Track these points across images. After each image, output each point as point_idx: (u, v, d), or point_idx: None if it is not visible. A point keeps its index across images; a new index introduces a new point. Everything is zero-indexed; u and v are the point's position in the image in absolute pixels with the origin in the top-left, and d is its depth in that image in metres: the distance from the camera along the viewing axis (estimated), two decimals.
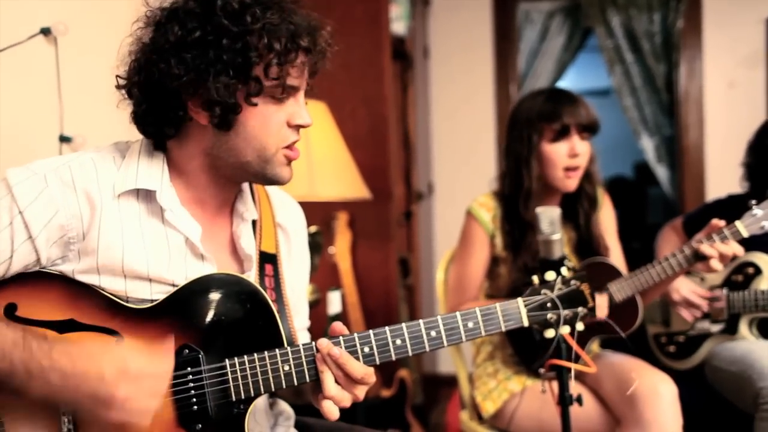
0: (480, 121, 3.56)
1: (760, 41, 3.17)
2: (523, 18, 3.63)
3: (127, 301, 1.01)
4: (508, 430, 1.76)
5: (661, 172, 3.55)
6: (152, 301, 1.01)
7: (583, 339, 1.72)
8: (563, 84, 6.01)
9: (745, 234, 1.63)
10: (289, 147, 1.06)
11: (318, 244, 2.09)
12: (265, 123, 1.02)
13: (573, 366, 1.31)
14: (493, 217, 1.86)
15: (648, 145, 3.53)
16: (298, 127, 1.07)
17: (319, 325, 2.01)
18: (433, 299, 3.39)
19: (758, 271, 1.98)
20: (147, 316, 1.00)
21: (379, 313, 2.64)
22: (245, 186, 1.15)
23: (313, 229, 2.12)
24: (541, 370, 1.37)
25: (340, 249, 2.58)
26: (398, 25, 2.81)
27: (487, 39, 3.55)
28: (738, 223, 1.63)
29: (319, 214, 2.58)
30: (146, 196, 1.04)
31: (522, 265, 1.76)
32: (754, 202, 1.66)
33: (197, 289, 1.00)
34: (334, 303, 1.90)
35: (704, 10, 3.26)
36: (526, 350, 1.79)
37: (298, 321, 1.23)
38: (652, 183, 4.55)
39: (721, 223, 1.63)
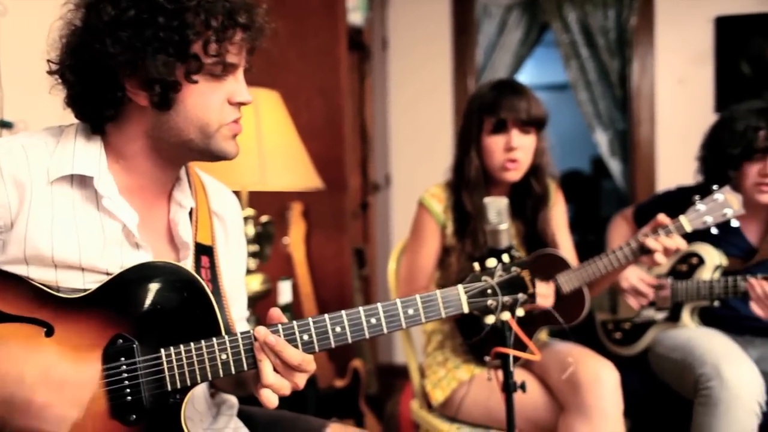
0: (438, 114, 3.58)
1: (708, 40, 3.26)
2: (481, 11, 3.65)
3: (59, 291, 0.98)
4: (456, 417, 1.79)
5: (614, 166, 3.62)
6: (85, 290, 0.99)
7: (530, 328, 1.76)
8: (522, 77, 6.04)
9: (689, 229, 1.68)
10: (233, 121, 1.05)
11: (270, 234, 2.08)
12: (205, 101, 1.01)
13: (516, 353, 1.33)
14: (445, 207, 1.87)
15: (602, 139, 3.59)
16: (239, 105, 1.06)
17: None
18: (388, 290, 3.40)
19: (701, 261, 2.03)
20: (79, 306, 0.97)
21: (333, 304, 2.64)
22: (183, 174, 1.13)
23: (265, 218, 2.10)
24: (487, 358, 1.38)
25: (295, 239, 2.57)
26: (355, 16, 2.80)
27: (445, 32, 3.56)
28: (682, 218, 1.68)
29: (273, 203, 2.56)
30: (81, 182, 1.02)
31: (469, 254, 1.78)
32: (697, 197, 1.70)
33: (132, 277, 0.98)
34: (284, 293, 1.90)
35: (656, 7, 3.33)
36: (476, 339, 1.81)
37: (236, 311, 1.22)
38: (606, 177, 4.65)
39: (667, 219, 1.68)
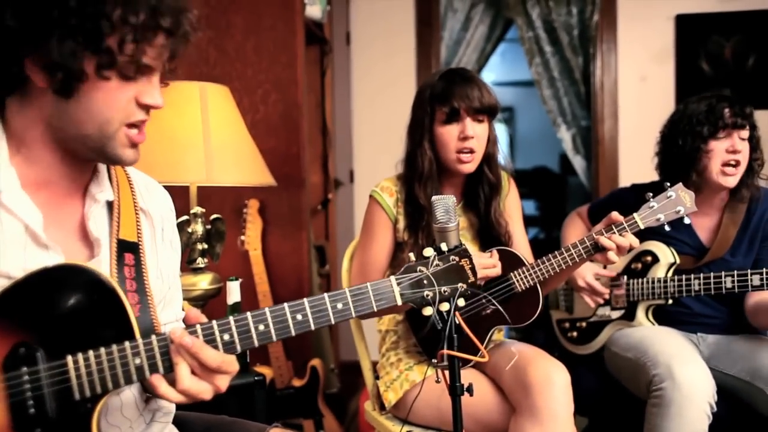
0: (402, 110, 3.47)
1: (669, 38, 3.26)
2: (445, 6, 3.62)
3: None
4: (408, 419, 1.75)
5: (578, 163, 3.61)
6: None
7: (484, 329, 1.73)
8: (490, 74, 5.99)
9: (642, 226, 1.66)
10: (135, 126, 0.99)
11: (220, 232, 2.01)
12: (111, 98, 0.95)
13: (462, 356, 1.29)
14: (396, 200, 1.83)
15: (566, 136, 3.59)
16: (147, 107, 0.99)
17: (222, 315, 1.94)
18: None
19: (655, 259, 2.02)
20: None
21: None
22: (102, 167, 1.07)
23: (215, 215, 2.04)
24: (434, 360, 1.34)
25: (251, 237, 2.51)
26: (313, 9, 2.74)
27: (409, 26, 3.52)
28: (636, 216, 1.66)
29: (228, 201, 2.50)
30: None
31: (421, 249, 1.74)
32: (650, 195, 1.69)
33: (35, 281, 0.91)
34: (233, 292, 1.83)
35: (618, 5, 3.33)
36: (428, 340, 1.77)
37: (169, 312, 1.16)
38: (573, 174, 4.67)
39: (620, 217, 1.66)
